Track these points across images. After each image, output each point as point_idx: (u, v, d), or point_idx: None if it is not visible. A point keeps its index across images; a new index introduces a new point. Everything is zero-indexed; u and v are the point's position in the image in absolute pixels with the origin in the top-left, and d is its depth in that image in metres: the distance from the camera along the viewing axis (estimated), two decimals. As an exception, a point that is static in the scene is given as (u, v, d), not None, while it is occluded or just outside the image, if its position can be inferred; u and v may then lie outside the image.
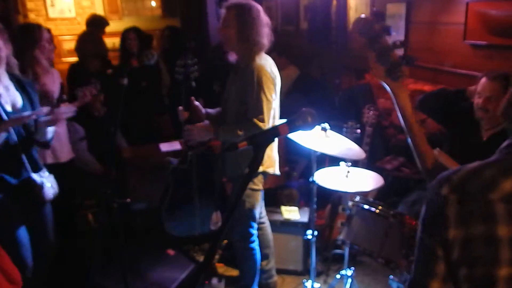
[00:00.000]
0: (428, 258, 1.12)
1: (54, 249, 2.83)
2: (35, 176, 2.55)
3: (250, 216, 2.90)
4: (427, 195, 1.13)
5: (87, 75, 3.90)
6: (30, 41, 3.06)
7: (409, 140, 1.49)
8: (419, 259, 1.16)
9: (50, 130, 2.67)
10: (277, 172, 2.96)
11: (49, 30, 3.36)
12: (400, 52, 1.47)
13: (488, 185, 1.02)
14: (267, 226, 3.26)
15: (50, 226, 2.79)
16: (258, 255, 3.08)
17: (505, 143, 1.12)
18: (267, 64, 2.77)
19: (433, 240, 1.10)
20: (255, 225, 3.01)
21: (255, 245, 3.06)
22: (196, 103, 2.92)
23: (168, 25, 5.93)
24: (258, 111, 2.66)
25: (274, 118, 2.81)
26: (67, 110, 2.73)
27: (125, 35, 4.77)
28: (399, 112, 1.48)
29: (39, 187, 2.56)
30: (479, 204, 1.02)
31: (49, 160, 3.15)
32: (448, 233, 1.05)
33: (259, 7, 2.81)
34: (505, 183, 1.01)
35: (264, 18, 2.81)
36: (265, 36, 2.77)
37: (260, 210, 3.06)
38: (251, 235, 3.01)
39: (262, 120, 2.66)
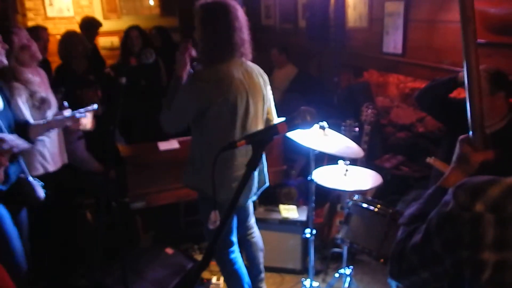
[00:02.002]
0: (432, 258, 1.09)
1: (29, 256, 2.75)
2: (30, 178, 2.56)
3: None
4: (450, 206, 1.04)
5: (75, 76, 3.89)
6: (16, 43, 2.86)
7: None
8: (422, 248, 1.12)
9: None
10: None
11: (40, 30, 3.22)
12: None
13: None
14: (255, 242, 3.05)
15: (26, 233, 2.75)
16: (241, 270, 2.88)
17: None
18: (207, 76, 2.44)
19: (446, 252, 1.05)
20: (233, 232, 2.84)
21: (236, 257, 2.87)
22: None
23: (155, 25, 5.95)
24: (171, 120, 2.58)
25: (231, 134, 2.53)
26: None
27: (128, 33, 4.74)
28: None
29: (33, 188, 2.56)
30: None
31: (41, 170, 3.03)
32: (482, 254, 0.97)
33: (233, 10, 2.44)
34: None
35: (239, 24, 2.45)
36: (234, 46, 2.45)
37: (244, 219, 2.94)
38: (229, 241, 2.82)
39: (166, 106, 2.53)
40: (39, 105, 2.93)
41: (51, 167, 3.07)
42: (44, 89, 3.02)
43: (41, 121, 2.80)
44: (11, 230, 2.57)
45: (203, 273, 3.26)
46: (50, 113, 3.00)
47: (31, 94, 2.90)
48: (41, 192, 2.62)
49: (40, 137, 2.86)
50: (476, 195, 0.99)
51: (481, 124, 1.30)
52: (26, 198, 2.58)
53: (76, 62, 4.13)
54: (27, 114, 2.85)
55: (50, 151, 3.06)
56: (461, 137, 1.34)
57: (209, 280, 3.39)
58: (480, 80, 1.30)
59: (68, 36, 4.22)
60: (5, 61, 2.71)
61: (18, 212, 2.68)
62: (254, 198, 2.83)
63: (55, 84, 3.29)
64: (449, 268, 1.05)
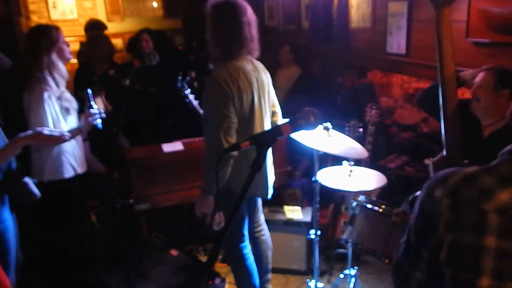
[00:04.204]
0: (413, 254, 1.16)
1: (20, 261, 2.73)
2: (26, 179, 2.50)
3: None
4: (422, 192, 1.14)
5: (95, 77, 3.91)
6: (46, 43, 2.90)
7: (439, 76, 1.43)
8: (406, 249, 1.19)
9: None
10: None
11: None
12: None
13: (483, 194, 1.01)
14: (265, 240, 3.07)
15: (15, 236, 2.68)
16: (252, 267, 2.91)
17: (508, 147, 1.09)
18: (226, 72, 2.47)
19: (420, 242, 1.12)
20: (245, 226, 2.85)
21: (248, 253, 2.89)
22: None
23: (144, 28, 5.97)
24: (214, 136, 2.46)
25: (249, 127, 2.60)
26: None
27: (139, 36, 4.73)
28: (436, 40, 1.42)
29: (28, 187, 2.50)
30: (472, 213, 1.01)
31: (72, 172, 3.08)
32: (437, 235, 1.06)
33: (242, 8, 2.51)
34: (502, 194, 0.99)
35: (248, 22, 2.52)
36: (243, 43, 2.51)
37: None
38: (241, 235, 2.83)
39: (219, 146, 2.43)
40: (67, 106, 2.97)
41: (80, 169, 3.11)
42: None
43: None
44: (11, 244, 2.57)
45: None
46: (72, 116, 3.05)
47: (60, 97, 2.93)
48: (36, 190, 2.56)
49: (71, 140, 2.94)
50: (440, 183, 1.09)
51: (459, 147, 1.36)
52: (22, 197, 2.51)
53: (99, 63, 4.15)
54: (52, 120, 2.88)
55: (79, 154, 3.10)
56: (436, 161, 1.41)
57: (213, 282, 3.38)
58: (457, 109, 1.37)
59: (95, 38, 4.24)
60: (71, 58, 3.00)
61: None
62: (271, 191, 2.85)
63: (78, 84, 3.33)
64: (426, 256, 1.12)
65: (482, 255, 0.99)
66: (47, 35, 2.91)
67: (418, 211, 1.14)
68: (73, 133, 2.95)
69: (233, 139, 2.48)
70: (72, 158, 3.05)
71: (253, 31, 2.57)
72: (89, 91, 3.06)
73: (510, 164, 1.04)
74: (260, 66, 2.73)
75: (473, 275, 1.00)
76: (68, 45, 3.04)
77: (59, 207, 3.03)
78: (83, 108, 3.08)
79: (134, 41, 4.81)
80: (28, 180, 2.53)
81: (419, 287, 1.18)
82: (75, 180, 3.08)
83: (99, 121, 3.01)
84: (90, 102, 3.03)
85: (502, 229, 0.97)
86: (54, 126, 2.90)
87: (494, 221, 0.98)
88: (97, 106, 3.05)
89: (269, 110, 2.78)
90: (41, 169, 2.94)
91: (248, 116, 2.57)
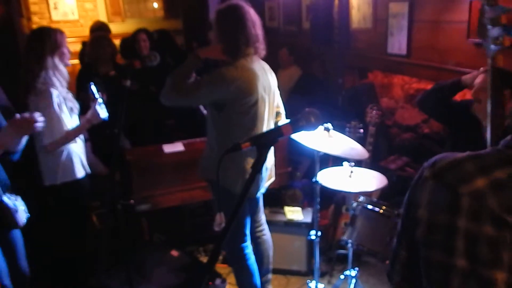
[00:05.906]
0: (401, 230, 1.22)
1: (28, 277, 2.66)
2: (6, 199, 2.32)
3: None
4: (418, 172, 1.19)
5: (99, 78, 3.90)
6: (50, 46, 2.88)
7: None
8: (398, 229, 1.25)
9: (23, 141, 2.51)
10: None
11: None
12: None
13: (462, 179, 1.05)
14: (266, 240, 3.08)
15: (22, 253, 2.61)
16: (254, 267, 2.91)
17: (508, 137, 1.11)
18: (235, 71, 2.52)
19: (405, 216, 1.19)
20: (247, 226, 2.86)
21: (249, 253, 2.89)
22: None
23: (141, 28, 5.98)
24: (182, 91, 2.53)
25: (253, 127, 2.62)
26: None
27: (136, 36, 4.69)
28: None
29: (12, 212, 2.32)
30: (448, 194, 1.05)
31: (83, 172, 3.09)
32: (418, 212, 1.11)
33: (245, 10, 2.58)
34: (479, 181, 1.03)
35: (252, 22, 2.58)
36: (249, 41, 2.56)
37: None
38: (243, 235, 2.85)
39: (169, 97, 2.55)
40: (71, 106, 2.96)
41: (87, 169, 3.14)
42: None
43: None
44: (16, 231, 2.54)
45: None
46: (75, 116, 3.04)
47: (65, 98, 2.92)
48: (22, 217, 2.38)
49: (78, 140, 2.98)
50: (432, 165, 1.13)
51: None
52: (4, 222, 2.34)
53: (102, 64, 4.15)
54: (64, 120, 2.88)
55: (84, 154, 3.12)
56: None
57: (214, 282, 3.38)
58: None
59: (99, 39, 4.24)
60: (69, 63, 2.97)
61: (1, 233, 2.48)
62: (263, 190, 2.86)
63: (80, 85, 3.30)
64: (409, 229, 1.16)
65: (455, 234, 1.02)
66: (52, 38, 2.90)
67: (410, 188, 1.20)
68: (83, 124, 2.96)
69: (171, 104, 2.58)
70: (82, 158, 3.07)
71: (258, 30, 2.62)
72: (92, 85, 3.05)
73: (497, 153, 1.07)
74: (266, 66, 2.75)
75: (446, 255, 1.04)
76: (69, 51, 3.02)
77: (70, 208, 3.04)
78: (84, 109, 3.07)
79: (130, 42, 4.78)
80: (9, 203, 2.34)
81: (402, 268, 1.22)
82: (87, 180, 3.10)
83: (105, 112, 3.00)
84: (94, 95, 3.01)
85: (472, 213, 1.01)
86: (65, 125, 2.89)
87: (466, 204, 1.02)
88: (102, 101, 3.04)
89: (274, 111, 2.80)
90: (54, 172, 2.94)
91: (253, 116, 2.59)
